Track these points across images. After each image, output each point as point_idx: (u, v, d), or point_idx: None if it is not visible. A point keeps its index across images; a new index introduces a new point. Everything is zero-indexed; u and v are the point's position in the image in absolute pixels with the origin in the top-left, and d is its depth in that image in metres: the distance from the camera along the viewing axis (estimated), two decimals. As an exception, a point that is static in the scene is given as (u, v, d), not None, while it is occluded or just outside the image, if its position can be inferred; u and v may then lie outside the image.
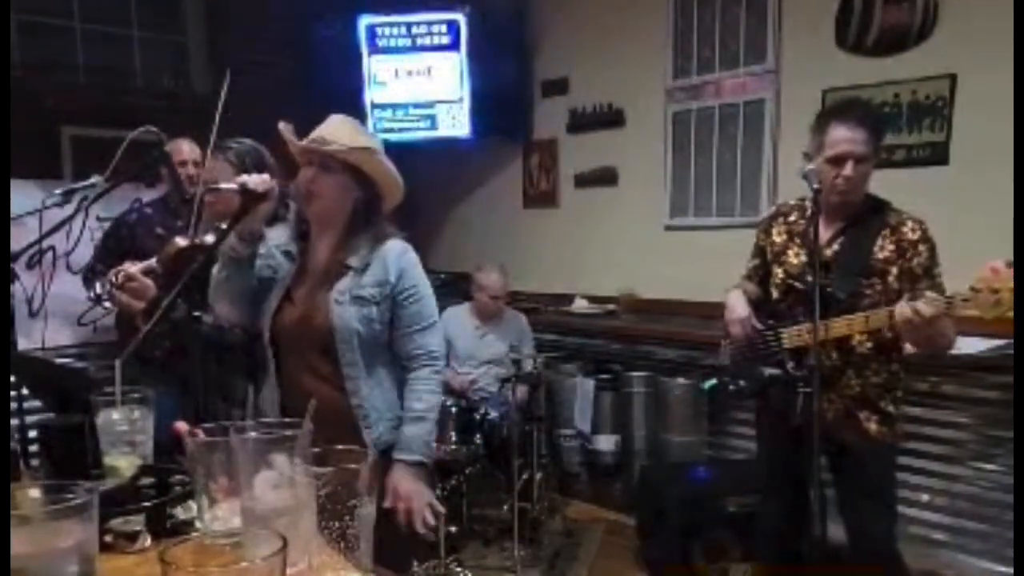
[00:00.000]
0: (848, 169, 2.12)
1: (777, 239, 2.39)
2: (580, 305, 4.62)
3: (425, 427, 1.96)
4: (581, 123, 4.72)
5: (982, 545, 3.06)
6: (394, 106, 4.77)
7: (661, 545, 3.24)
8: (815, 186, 2.09)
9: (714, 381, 2.57)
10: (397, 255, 1.96)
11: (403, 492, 1.89)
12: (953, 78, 3.24)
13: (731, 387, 2.48)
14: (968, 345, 2.91)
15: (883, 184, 3.48)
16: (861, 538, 2.28)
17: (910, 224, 2.20)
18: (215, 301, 1.99)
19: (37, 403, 1.87)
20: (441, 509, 2.06)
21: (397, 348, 1.99)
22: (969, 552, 3.10)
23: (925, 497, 3.20)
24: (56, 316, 3.68)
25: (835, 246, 2.24)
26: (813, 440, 2.00)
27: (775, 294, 2.38)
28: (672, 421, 3.90)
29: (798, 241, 2.33)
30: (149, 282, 2.20)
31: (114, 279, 2.21)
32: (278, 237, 2.05)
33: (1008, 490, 2.97)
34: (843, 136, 2.13)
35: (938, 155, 3.30)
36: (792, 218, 2.38)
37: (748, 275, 2.53)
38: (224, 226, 1.85)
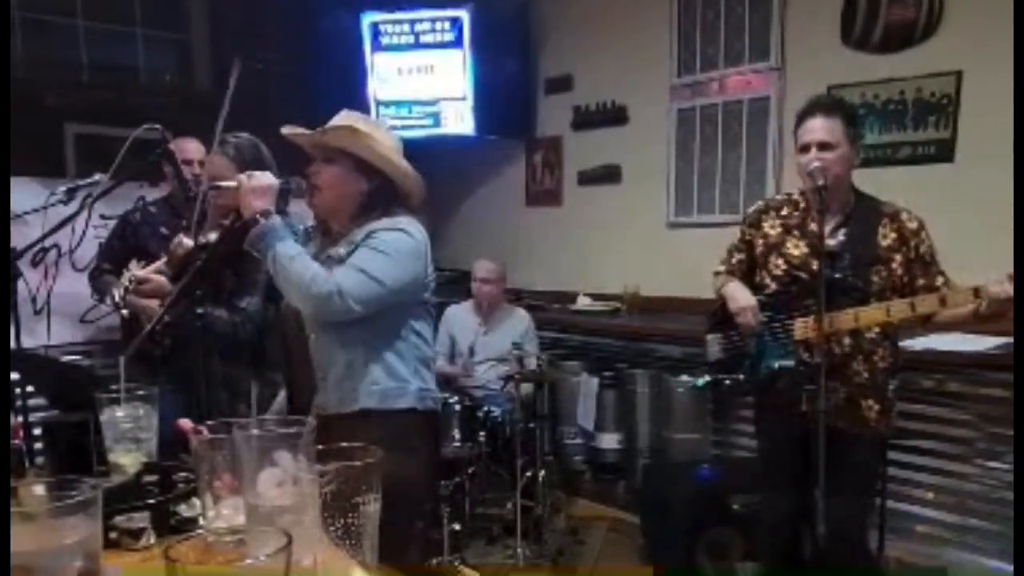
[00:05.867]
0: (813, 152, 2.20)
1: (771, 232, 2.40)
2: (583, 303, 4.62)
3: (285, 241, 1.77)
4: (585, 120, 4.71)
5: (988, 543, 3.05)
6: (397, 104, 4.77)
7: (665, 543, 3.23)
8: (820, 182, 2.13)
9: (708, 378, 2.54)
10: (379, 223, 1.86)
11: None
12: (959, 75, 3.22)
13: (728, 382, 2.45)
14: (975, 343, 2.90)
15: (887, 181, 3.44)
16: (836, 527, 2.26)
17: (906, 214, 2.26)
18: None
19: (41, 400, 1.87)
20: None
21: None
22: (975, 550, 3.09)
23: (931, 495, 3.19)
24: (60, 314, 3.69)
25: (840, 236, 2.27)
26: (819, 436, 2.00)
27: (773, 286, 2.37)
28: (676, 419, 3.89)
29: (796, 233, 2.34)
30: (163, 279, 2.23)
31: (128, 284, 2.24)
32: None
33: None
34: (808, 127, 2.26)
35: (943, 152, 3.28)
36: (784, 212, 2.40)
37: (730, 270, 2.51)
38: (227, 223, 1.86)
